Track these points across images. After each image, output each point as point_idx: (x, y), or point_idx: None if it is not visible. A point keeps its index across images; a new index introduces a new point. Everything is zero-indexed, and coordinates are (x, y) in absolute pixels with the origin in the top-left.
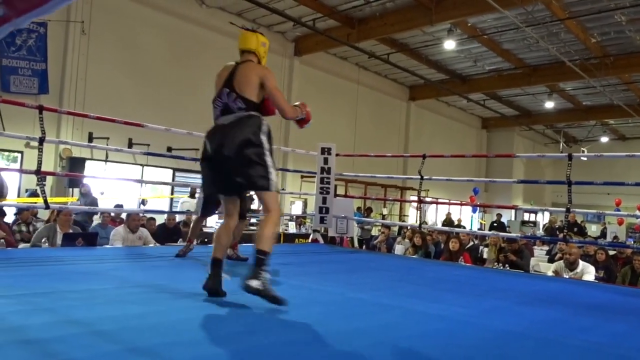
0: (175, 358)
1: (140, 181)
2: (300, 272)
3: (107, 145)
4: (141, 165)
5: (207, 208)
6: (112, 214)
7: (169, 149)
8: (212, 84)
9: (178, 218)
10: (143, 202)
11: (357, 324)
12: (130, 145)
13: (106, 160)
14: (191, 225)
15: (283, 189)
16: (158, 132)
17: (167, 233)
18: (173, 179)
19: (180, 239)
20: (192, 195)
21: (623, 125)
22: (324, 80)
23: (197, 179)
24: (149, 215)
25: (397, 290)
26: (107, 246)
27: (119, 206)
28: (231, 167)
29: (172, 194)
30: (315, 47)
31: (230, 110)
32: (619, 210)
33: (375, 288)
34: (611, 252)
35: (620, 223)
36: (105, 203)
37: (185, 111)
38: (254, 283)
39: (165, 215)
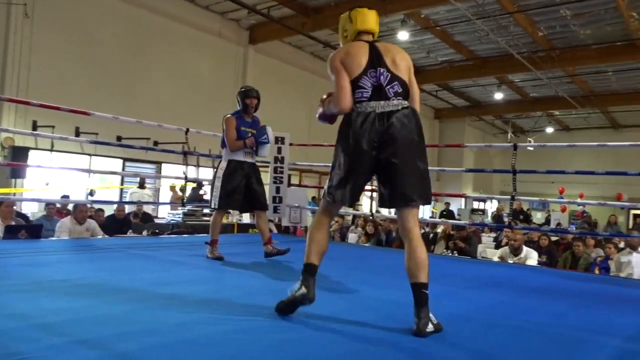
0: (126, 349)
1: (88, 171)
2: (253, 263)
3: (52, 133)
4: (89, 154)
5: (233, 199)
6: (58, 205)
7: (119, 138)
8: (164, 71)
9: (128, 209)
10: (91, 193)
11: (312, 311)
12: (77, 134)
13: (51, 150)
14: (212, 222)
15: None
16: (107, 120)
17: (116, 224)
18: (123, 169)
19: (130, 230)
20: (141, 186)
21: (567, 116)
22: (278, 69)
23: (147, 169)
24: (97, 206)
25: (350, 278)
26: (53, 238)
27: (66, 197)
28: (397, 170)
29: (121, 184)
30: (270, 35)
31: (386, 94)
32: (562, 198)
33: (329, 276)
34: (554, 238)
35: (563, 210)
36: (51, 194)
37: (135, 99)
38: (429, 329)
39: (115, 206)
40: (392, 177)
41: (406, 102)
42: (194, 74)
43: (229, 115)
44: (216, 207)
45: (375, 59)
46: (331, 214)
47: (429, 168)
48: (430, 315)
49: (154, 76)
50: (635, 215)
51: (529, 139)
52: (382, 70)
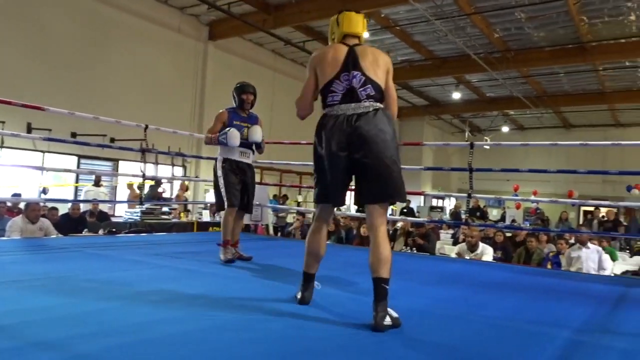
0: (82, 351)
1: (41, 168)
2: (214, 261)
3: (1, 129)
4: (42, 151)
5: (238, 196)
6: (9, 204)
7: (73, 135)
8: (121, 66)
9: (83, 207)
10: (44, 191)
11: (270, 309)
12: (29, 130)
13: (1, 146)
14: (223, 221)
15: (197, 177)
16: (61, 116)
17: (71, 223)
18: (78, 167)
19: (86, 230)
20: (97, 184)
21: (521, 116)
22: (239, 66)
23: (103, 166)
24: (50, 205)
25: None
26: (4, 238)
27: (17, 195)
28: (368, 170)
29: (76, 182)
30: (230, 32)
31: (357, 96)
32: (516, 195)
33: (289, 274)
34: (508, 234)
35: (517, 207)
36: (1, 192)
37: (91, 95)
38: (386, 322)
39: (70, 205)
40: (364, 177)
41: (379, 104)
42: (153, 70)
43: (223, 110)
44: (227, 205)
45: (351, 63)
46: (324, 218)
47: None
48: (390, 310)
49: (111, 71)
50: (586, 212)
51: (485, 137)
52: (355, 73)
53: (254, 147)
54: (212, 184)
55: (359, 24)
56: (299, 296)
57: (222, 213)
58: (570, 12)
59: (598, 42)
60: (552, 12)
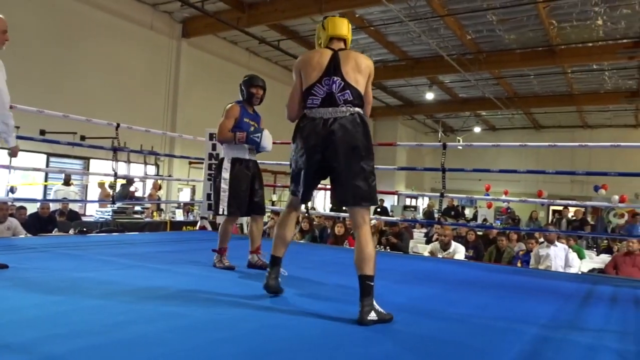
0: (54, 352)
1: (9, 167)
2: (187, 260)
3: None
4: (9, 149)
5: (242, 204)
6: None
7: (42, 132)
8: (92, 63)
9: (53, 206)
10: (12, 190)
11: (244, 308)
12: None
13: None
14: (222, 229)
15: (170, 176)
16: (29, 113)
17: (40, 223)
18: (47, 165)
19: (56, 229)
20: (66, 183)
21: (493, 116)
22: (213, 64)
23: (74, 165)
24: (18, 204)
25: (283, 275)
26: None
27: None
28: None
29: (45, 180)
30: (204, 29)
31: (335, 101)
32: (488, 195)
33: (263, 273)
34: (480, 233)
35: (489, 206)
36: None
37: (61, 92)
38: (370, 317)
39: (38, 204)
40: (336, 180)
41: (357, 109)
42: (125, 67)
43: (233, 103)
44: (225, 213)
45: (333, 68)
46: (294, 206)
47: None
48: (376, 305)
49: (81, 68)
50: (554, 211)
51: (458, 137)
52: (335, 78)
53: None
54: (185, 183)
55: (343, 27)
56: (264, 282)
57: (220, 218)
58: (540, 15)
59: (567, 45)
60: (522, 15)
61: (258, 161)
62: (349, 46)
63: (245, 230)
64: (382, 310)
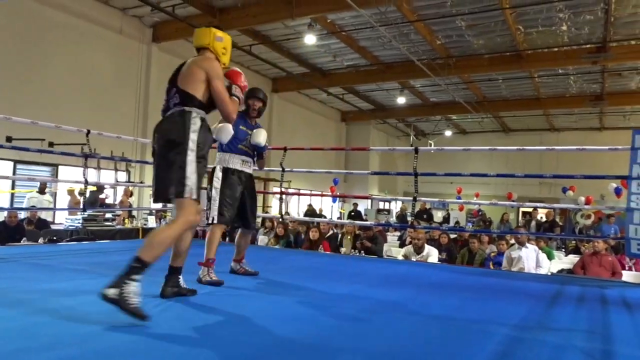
0: None
1: None
2: (162, 268)
3: None
4: None
5: (232, 213)
6: None
7: (9, 139)
8: (60, 68)
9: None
10: None
11: (219, 314)
12: None
13: None
14: (209, 238)
15: (141, 182)
16: None
17: (8, 232)
18: (14, 172)
19: (24, 238)
20: (41, 191)
21: (463, 120)
22: None
23: (42, 172)
24: None
25: (259, 280)
26: None
27: None
28: (155, 167)
29: (12, 188)
30: (175, 34)
31: (168, 108)
32: (459, 197)
33: (239, 278)
34: (453, 236)
35: (461, 209)
36: None
37: (28, 98)
38: (111, 292)
39: (6, 213)
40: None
41: (184, 107)
42: (94, 72)
43: None
44: (214, 221)
45: (173, 76)
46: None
47: (336, 170)
48: (129, 290)
49: (49, 73)
50: (524, 213)
51: (429, 141)
52: (170, 86)
53: (255, 157)
54: None
55: (199, 38)
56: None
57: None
58: (507, 21)
59: (533, 50)
60: (490, 20)
61: (211, 166)
62: (219, 51)
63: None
64: (131, 301)
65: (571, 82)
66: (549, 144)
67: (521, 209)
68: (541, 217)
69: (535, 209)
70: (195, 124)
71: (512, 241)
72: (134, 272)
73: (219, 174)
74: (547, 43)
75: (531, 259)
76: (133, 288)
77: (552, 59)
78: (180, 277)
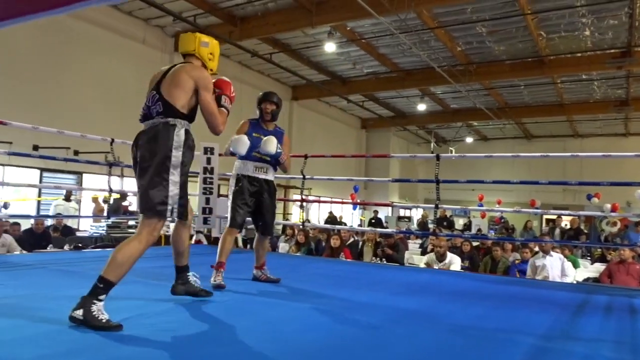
0: None
1: (4, 184)
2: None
3: None
4: (2, 165)
5: (242, 218)
6: None
7: (35, 148)
8: (84, 77)
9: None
10: (5, 206)
11: (243, 321)
12: None
13: None
14: (220, 242)
15: None
16: (22, 129)
17: (34, 239)
18: (40, 180)
19: (51, 245)
20: (67, 199)
21: (485, 127)
22: None
23: (67, 180)
24: (12, 220)
25: (280, 288)
26: None
27: None
28: (138, 179)
29: (39, 196)
30: None
31: (149, 116)
32: (481, 205)
33: (260, 285)
34: (475, 243)
35: (482, 216)
36: None
37: (53, 107)
38: (78, 313)
39: (32, 220)
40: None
41: (169, 118)
42: (118, 82)
43: (244, 120)
44: (228, 225)
45: (158, 82)
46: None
47: (357, 178)
48: (95, 309)
49: (74, 83)
50: (548, 220)
51: (450, 148)
52: (154, 92)
53: (272, 162)
54: None
55: (185, 44)
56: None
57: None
58: (528, 27)
59: (556, 55)
60: (511, 27)
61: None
62: (205, 57)
63: (240, 244)
64: (100, 317)
65: (595, 88)
66: (572, 150)
67: (545, 217)
68: (565, 225)
69: (559, 216)
70: (179, 138)
71: (536, 249)
72: (99, 292)
73: (232, 181)
74: (570, 48)
75: (556, 267)
76: (98, 307)
77: (575, 65)
78: (190, 274)
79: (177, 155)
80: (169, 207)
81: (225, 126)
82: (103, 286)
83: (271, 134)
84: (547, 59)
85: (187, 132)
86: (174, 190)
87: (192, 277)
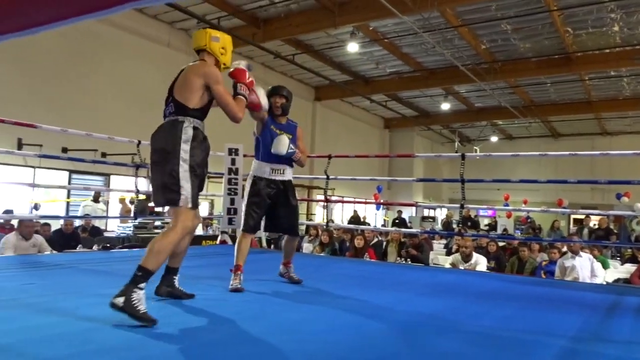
0: None
1: (33, 185)
2: (210, 275)
3: None
4: (32, 167)
5: (256, 221)
6: (1, 221)
7: (64, 150)
8: (111, 80)
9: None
10: (35, 207)
11: (267, 322)
12: (20, 146)
13: None
14: (236, 245)
15: None
16: (51, 132)
17: (64, 239)
18: (69, 182)
19: (80, 245)
20: (95, 200)
21: (510, 125)
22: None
23: (95, 181)
24: (43, 221)
25: (305, 288)
26: None
27: (9, 212)
28: (152, 174)
29: (68, 197)
30: None
31: (165, 117)
32: (507, 204)
33: (284, 286)
34: (501, 244)
35: (508, 216)
36: None
37: (81, 110)
38: (119, 300)
39: (62, 221)
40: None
41: (179, 116)
42: (143, 84)
43: None
44: (242, 228)
45: (171, 84)
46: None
47: (380, 178)
48: (135, 298)
49: (101, 86)
50: (575, 220)
51: (475, 147)
52: (168, 95)
53: (288, 161)
54: (203, 197)
55: (196, 40)
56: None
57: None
58: (555, 23)
59: (583, 52)
60: (537, 23)
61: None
62: (217, 51)
63: (264, 244)
64: (139, 307)
65: (624, 84)
66: (601, 148)
67: (572, 216)
68: (594, 225)
69: (587, 215)
70: (186, 134)
71: (564, 249)
72: (138, 280)
73: (248, 183)
74: (598, 44)
75: (586, 268)
76: (139, 296)
77: (603, 61)
78: (176, 277)
79: (185, 148)
80: (182, 197)
81: (243, 113)
82: (142, 274)
83: (284, 127)
84: (574, 55)
85: (195, 128)
86: (184, 180)
87: (177, 282)
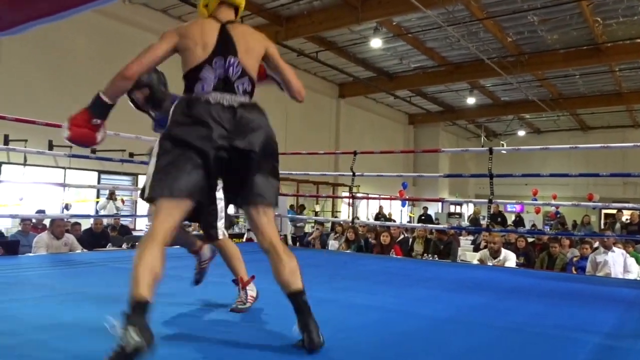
0: None
1: (64, 185)
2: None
3: (25, 147)
4: (63, 168)
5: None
6: (34, 221)
7: (93, 151)
8: None
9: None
10: (66, 207)
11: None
12: (50, 147)
13: (25, 164)
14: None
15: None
16: None
17: (94, 238)
18: (98, 182)
19: (110, 244)
20: (110, 197)
21: (537, 119)
22: None
23: (123, 181)
24: (73, 220)
25: (332, 285)
26: (31, 254)
27: (41, 212)
28: (253, 165)
29: (97, 197)
30: None
31: (231, 88)
32: (535, 199)
33: (311, 283)
34: (530, 239)
35: (537, 212)
36: (25, 209)
37: (111, 111)
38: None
39: (91, 220)
40: (247, 172)
41: (255, 102)
42: (170, 86)
43: None
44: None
45: (224, 46)
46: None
47: (405, 174)
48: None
49: None
50: (607, 215)
51: (501, 142)
52: (232, 60)
53: None
54: None
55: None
56: (136, 339)
57: None
58: (583, 13)
59: (613, 42)
60: (565, 14)
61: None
62: (239, 17)
63: (290, 241)
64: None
65: None
66: (632, 141)
67: (603, 211)
68: (626, 219)
69: (619, 210)
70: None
71: (596, 245)
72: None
73: None
74: (629, 34)
75: (618, 263)
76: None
77: (635, 51)
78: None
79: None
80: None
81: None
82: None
83: None
84: (603, 46)
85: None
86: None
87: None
